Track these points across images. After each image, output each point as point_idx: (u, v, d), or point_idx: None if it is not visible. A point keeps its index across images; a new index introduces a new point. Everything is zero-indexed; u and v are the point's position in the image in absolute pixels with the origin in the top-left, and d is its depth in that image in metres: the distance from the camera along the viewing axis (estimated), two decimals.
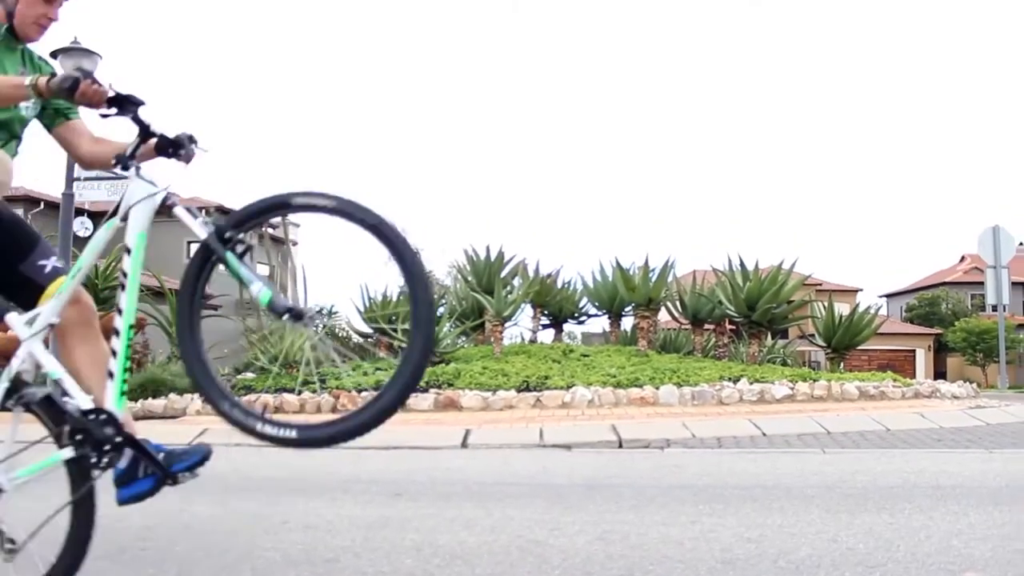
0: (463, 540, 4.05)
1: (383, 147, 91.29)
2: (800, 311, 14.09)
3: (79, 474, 2.77)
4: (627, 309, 14.34)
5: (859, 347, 14.10)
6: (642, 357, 12.43)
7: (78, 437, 2.73)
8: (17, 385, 2.84)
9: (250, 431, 2.61)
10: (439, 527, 4.36)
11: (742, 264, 13.18)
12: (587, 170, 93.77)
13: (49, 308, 2.91)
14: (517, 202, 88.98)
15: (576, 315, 15.88)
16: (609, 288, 14.25)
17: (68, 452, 2.74)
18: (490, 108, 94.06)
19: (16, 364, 2.87)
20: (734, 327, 14.37)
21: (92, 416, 2.73)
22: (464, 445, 8.03)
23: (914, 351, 48.73)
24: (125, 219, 2.83)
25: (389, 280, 23.79)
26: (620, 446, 7.77)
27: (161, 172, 2.88)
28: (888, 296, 63.22)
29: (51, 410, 2.80)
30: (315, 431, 2.63)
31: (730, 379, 10.55)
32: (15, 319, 2.91)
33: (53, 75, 2.87)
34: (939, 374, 44.25)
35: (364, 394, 2.92)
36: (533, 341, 15.00)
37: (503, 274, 14.97)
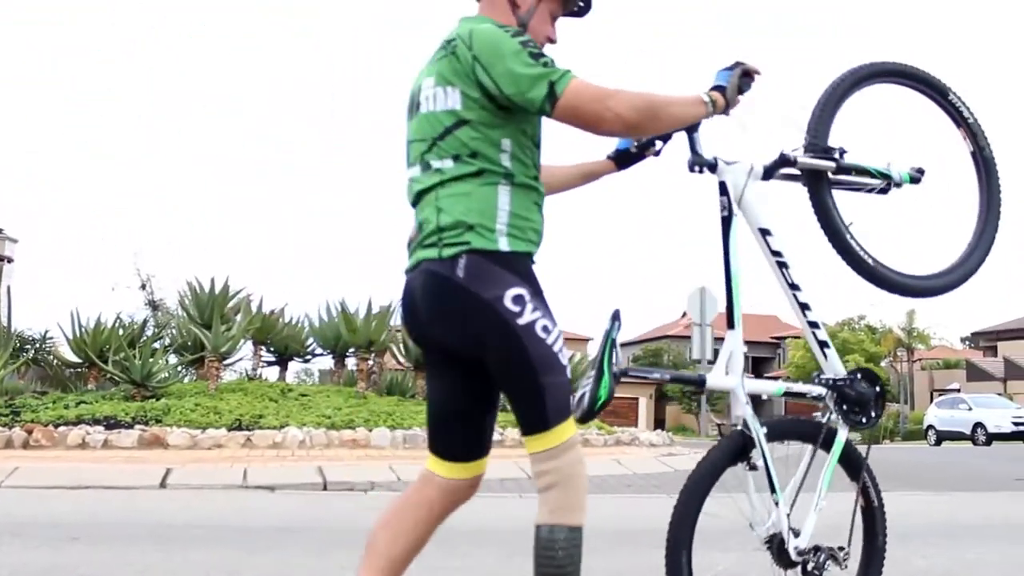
0: None
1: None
2: None
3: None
4: (352, 350, 14.33)
5: None
6: (360, 399, 12.44)
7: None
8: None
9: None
10: (111, 573, 4.19)
11: None
12: (330, 208, 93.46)
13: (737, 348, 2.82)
14: (250, 235, 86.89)
15: (302, 354, 15.70)
16: (333, 329, 14.20)
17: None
18: (225, 140, 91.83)
19: (746, 410, 2.77)
20: None
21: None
22: (163, 485, 7.73)
23: (637, 399, 51.47)
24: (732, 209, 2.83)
25: (105, 308, 22.41)
26: (325, 488, 7.75)
27: None
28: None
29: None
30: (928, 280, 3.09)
31: None
32: (715, 378, 2.80)
33: (718, 87, 2.63)
34: (659, 421, 47.15)
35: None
36: (253, 378, 14.66)
37: (228, 307, 14.56)
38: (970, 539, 5.55)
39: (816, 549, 2.80)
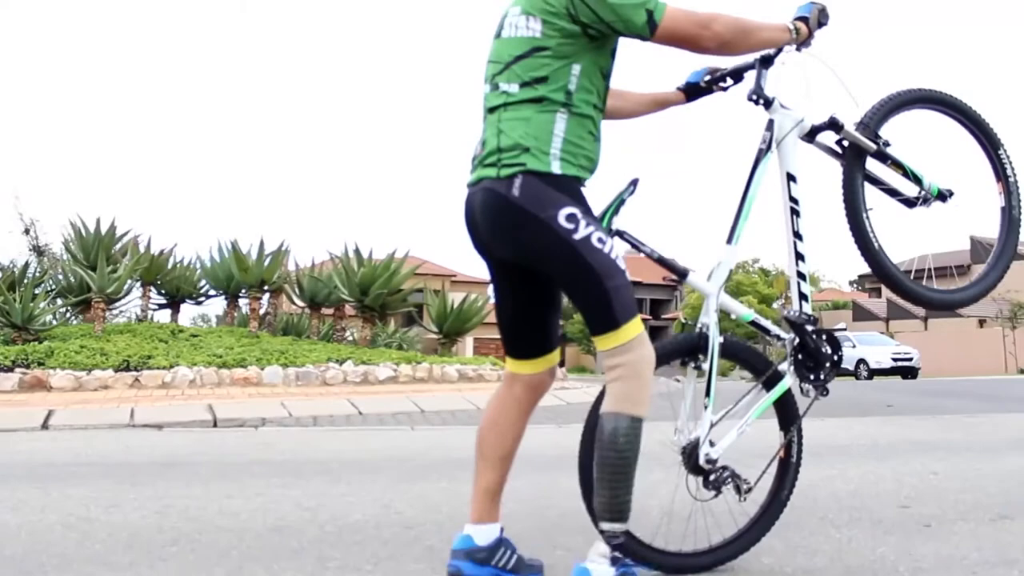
0: (5, 521, 3.83)
1: None
2: (416, 297, 14.58)
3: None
4: (244, 291, 14.12)
5: (490, 337, 14.82)
6: (253, 338, 12.31)
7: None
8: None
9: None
10: None
11: (357, 250, 13.41)
12: (218, 148, 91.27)
13: (725, 262, 3.03)
14: (137, 175, 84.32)
15: (194, 296, 15.39)
16: (225, 269, 13.94)
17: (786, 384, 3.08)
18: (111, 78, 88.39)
19: (712, 316, 2.96)
20: (356, 312, 14.57)
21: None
22: (45, 427, 7.54)
23: None
24: (771, 146, 3.08)
25: None
26: (215, 425, 7.68)
27: None
28: None
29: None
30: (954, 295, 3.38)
31: (337, 361, 10.74)
32: (697, 277, 2.99)
33: (801, 17, 2.95)
34: (559, 361, 47.75)
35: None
36: (142, 320, 14.33)
37: (116, 249, 14.15)
38: (835, 457, 5.84)
39: (724, 467, 2.93)
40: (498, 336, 3.02)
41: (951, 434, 7.61)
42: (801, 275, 3.13)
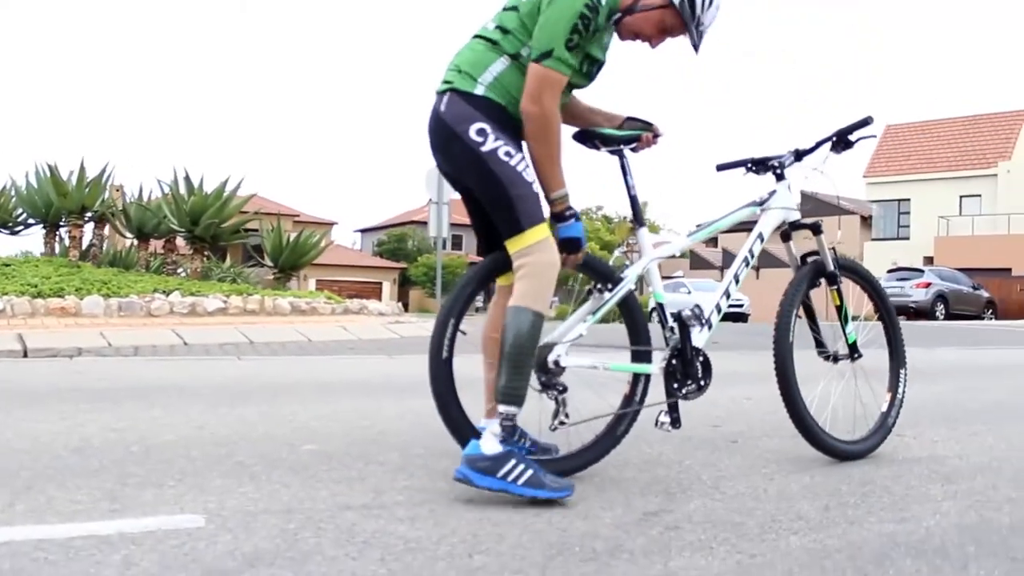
0: None
1: None
2: (248, 230, 14.19)
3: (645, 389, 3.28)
4: (65, 219, 13.32)
5: (332, 278, 14.53)
6: (73, 268, 11.65)
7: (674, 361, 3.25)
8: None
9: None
10: None
11: (187, 178, 12.86)
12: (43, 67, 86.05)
13: (676, 244, 3.79)
14: None
15: (10, 224, 14.45)
16: (43, 194, 13.10)
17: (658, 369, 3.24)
18: None
19: (636, 269, 3.23)
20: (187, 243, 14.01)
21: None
22: None
23: (381, 283, 51.69)
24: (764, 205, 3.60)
25: None
26: (25, 355, 7.27)
27: None
28: (363, 231, 66.61)
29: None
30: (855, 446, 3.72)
31: (164, 292, 10.32)
32: (646, 234, 3.36)
33: (564, 212, 2.99)
34: (404, 305, 47.57)
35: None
36: None
37: None
38: (657, 385, 5.99)
39: (562, 383, 2.99)
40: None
41: (769, 367, 7.94)
42: (718, 307, 3.48)
